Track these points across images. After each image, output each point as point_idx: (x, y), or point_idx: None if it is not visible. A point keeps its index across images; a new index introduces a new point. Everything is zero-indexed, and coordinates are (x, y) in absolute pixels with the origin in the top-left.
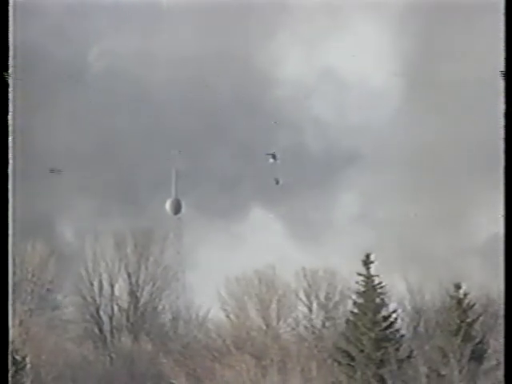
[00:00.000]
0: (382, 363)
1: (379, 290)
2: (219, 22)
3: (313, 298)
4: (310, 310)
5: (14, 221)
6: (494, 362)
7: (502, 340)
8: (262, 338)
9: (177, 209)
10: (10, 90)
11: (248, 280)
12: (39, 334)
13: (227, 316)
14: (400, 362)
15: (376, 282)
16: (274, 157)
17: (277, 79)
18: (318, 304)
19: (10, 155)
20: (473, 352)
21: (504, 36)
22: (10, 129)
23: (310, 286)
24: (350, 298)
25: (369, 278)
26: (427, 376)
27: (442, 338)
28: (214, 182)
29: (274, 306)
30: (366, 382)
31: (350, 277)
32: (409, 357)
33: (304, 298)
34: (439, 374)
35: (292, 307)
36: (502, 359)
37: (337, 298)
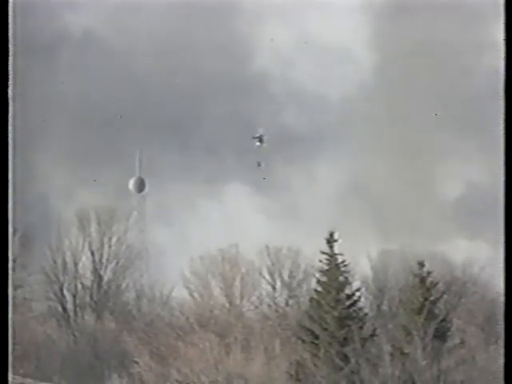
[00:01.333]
0: (345, 341)
1: (343, 269)
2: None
3: (276, 276)
4: (274, 288)
5: None
6: (457, 341)
7: (464, 317)
8: (225, 317)
9: (140, 187)
10: (10, 89)
11: (211, 258)
12: None
13: (191, 294)
14: (363, 340)
15: (339, 260)
16: (260, 140)
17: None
18: (282, 282)
19: None
20: (436, 330)
21: (504, 36)
22: (10, 128)
23: (273, 264)
24: (314, 276)
25: (332, 256)
26: (391, 354)
27: (406, 316)
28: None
29: (237, 284)
30: (330, 360)
31: (313, 255)
32: (372, 335)
33: (268, 277)
34: (402, 352)
35: (255, 285)
36: (465, 337)
37: (300, 276)
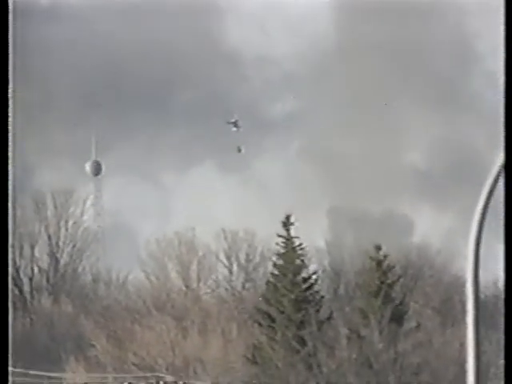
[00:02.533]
0: (302, 324)
1: (299, 252)
2: None
3: (233, 259)
4: (231, 271)
5: None
6: (413, 324)
7: (421, 301)
8: (182, 300)
9: (97, 170)
10: (10, 88)
11: (168, 241)
12: None
13: (147, 278)
14: (320, 323)
15: (296, 243)
16: (236, 125)
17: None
18: (239, 265)
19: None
20: (393, 313)
21: (504, 36)
22: (10, 128)
23: (230, 247)
24: (270, 259)
25: (289, 239)
26: (347, 337)
27: (362, 299)
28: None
29: (194, 267)
30: (287, 343)
31: (269, 238)
32: (329, 318)
33: (224, 260)
34: (359, 336)
35: (212, 269)
36: (421, 321)
37: (257, 259)
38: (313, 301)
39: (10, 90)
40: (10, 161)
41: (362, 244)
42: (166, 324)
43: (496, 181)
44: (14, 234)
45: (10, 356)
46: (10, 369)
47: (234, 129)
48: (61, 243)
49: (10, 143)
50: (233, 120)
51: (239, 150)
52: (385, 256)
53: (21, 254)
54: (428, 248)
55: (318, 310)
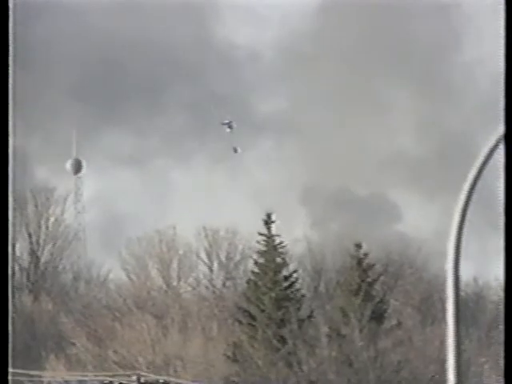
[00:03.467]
0: (282, 323)
1: (280, 250)
2: None
3: (214, 257)
4: (211, 269)
5: None
6: (394, 322)
7: (401, 299)
8: (162, 298)
9: (77, 168)
10: (10, 88)
11: (149, 240)
12: None
13: (128, 276)
14: (301, 321)
15: (277, 241)
16: (230, 126)
17: None
18: (219, 264)
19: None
20: (373, 312)
21: (504, 36)
22: (10, 127)
23: (210, 245)
24: (251, 257)
25: (270, 237)
26: (328, 335)
27: (343, 297)
28: None
29: (174, 265)
30: (267, 342)
31: (250, 236)
32: (309, 316)
33: (205, 258)
34: (340, 334)
35: (193, 267)
36: (402, 319)
37: (238, 257)
38: (293, 299)
39: (9, 90)
40: (9, 161)
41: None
42: (147, 322)
43: (478, 177)
44: None
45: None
46: None
47: (228, 130)
48: (41, 241)
49: (9, 143)
50: (226, 121)
51: (235, 151)
52: (365, 254)
53: None
54: (409, 245)
55: (298, 309)
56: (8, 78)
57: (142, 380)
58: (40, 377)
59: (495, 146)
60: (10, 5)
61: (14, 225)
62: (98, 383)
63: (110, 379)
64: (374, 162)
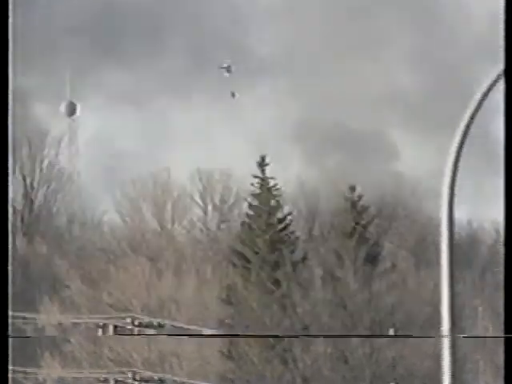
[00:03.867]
0: (276, 265)
1: (274, 192)
2: None
3: (208, 200)
4: (205, 212)
5: None
6: (388, 264)
7: (395, 242)
8: (156, 241)
9: (71, 111)
10: (10, 87)
11: (143, 182)
12: None
13: (122, 218)
14: (295, 264)
15: (271, 183)
16: (228, 70)
17: None
18: (213, 206)
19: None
20: (367, 254)
21: (504, 36)
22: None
23: (205, 188)
24: (245, 200)
25: (264, 179)
26: (322, 278)
27: (337, 240)
28: None
29: (169, 208)
30: (261, 284)
31: (245, 179)
32: (303, 259)
33: (199, 201)
34: (334, 276)
35: (187, 210)
36: (396, 261)
37: (232, 200)
38: (287, 241)
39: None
40: (9, 161)
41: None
42: (141, 265)
43: (472, 119)
44: None
45: None
46: None
47: (227, 74)
48: (35, 184)
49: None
50: (225, 65)
51: (233, 95)
52: (359, 196)
53: None
54: (402, 187)
55: (292, 251)
56: (8, 77)
57: (136, 322)
58: (34, 319)
59: (492, 85)
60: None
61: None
62: (92, 326)
63: (105, 321)
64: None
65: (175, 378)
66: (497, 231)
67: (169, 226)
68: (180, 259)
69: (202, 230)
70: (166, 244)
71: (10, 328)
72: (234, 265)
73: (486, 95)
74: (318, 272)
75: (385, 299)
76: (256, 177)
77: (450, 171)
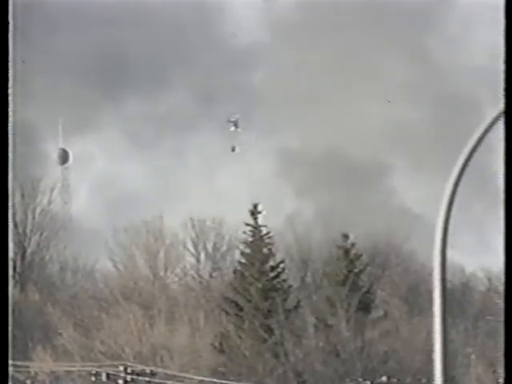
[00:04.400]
0: (269, 313)
1: (267, 240)
2: None
3: (200, 248)
4: (198, 260)
5: None
6: (381, 312)
7: (388, 290)
8: (149, 288)
9: (64, 159)
10: (10, 87)
11: (136, 230)
12: None
13: (115, 266)
14: (288, 312)
15: (264, 231)
16: (235, 124)
17: None
18: (206, 254)
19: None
20: (360, 302)
21: (504, 36)
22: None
23: (197, 236)
24: (238, 248)
25: (256, 228)
26: (315, 326)
27: (330, 288)
28: None
29: (161, 256)
30: (254, 332)
31: (237, 227)
32: (296, 307)
33: (192, 248)
34: (327, 324)
35: (180, 257)
36: (388, 309)
37: (224, 248)
38: (280, 289)
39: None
40: (9, 161)
41: None
42: (134, 313)
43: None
44: None
45: None
46: None
47: (233, 128)
48: (28, 231)
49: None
50: (233, 119)
51: (233, 150)
52: (352, 244)
53: None
54: (395, 235)
55: (285, 299)
56: (8, 77)
57: (129, 370)
58: (27, 367)
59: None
60: (10, 6)
61: None
62: (85, 374)
63: (97, 369)
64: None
65: (166, 372)
66: (503, 288)
67: (161, 273)
68: (172, 307)
69: (194, 278)
70: (159, 292)
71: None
72: (227, 313)
73: (481, 138)
74: (311, 320)
75: (377, 347)
76: (248, 225)
77: (442, 219)
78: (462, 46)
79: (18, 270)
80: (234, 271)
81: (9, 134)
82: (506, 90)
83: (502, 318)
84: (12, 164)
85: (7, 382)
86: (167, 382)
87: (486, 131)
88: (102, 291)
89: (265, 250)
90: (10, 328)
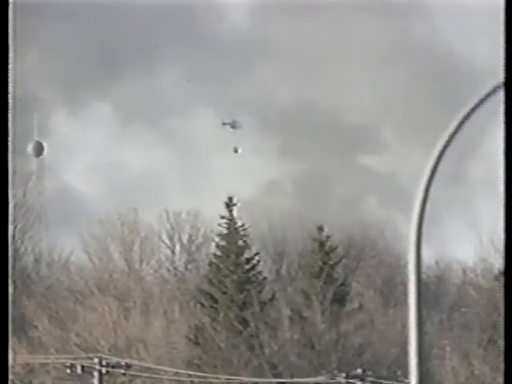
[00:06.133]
0: (244, 305)
1: (242, 233)
2: None
3: (176, 240)
4: (173, 252)
5: None
6: (356, 305)
7: (363, 282)
8: (124, 281)
9: (39, 151)
10: (10, 88)
11: (111, 222)
12: None
13: (90, 258)
14: (263, 304)
15: (239, 224)
16: (233, 126)
17: None
18: (181, 246)
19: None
20: (335, 294)
21: (504, 36)
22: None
23: (172, 228)
24: (213, 240)
25: (231, 220)
26: (290, 318)
27: (305, 280)
28: None
29: (136, 248)
30: (229, 324)
31: (212, 219)
32: (271, 299)
33: (167, 241)
34: (302, 316)
35: (155, 249)
36: (363, 301)
37: (200, 240)
38: (255, 282)
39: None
40: (9, 160)
41: None
42: (109, 305)
43: (441, 154)
44: None
45: None
46: None
47: (231, 130)
48: None
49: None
50: (229, 121)
51: (236, 151)
52: (327, 237)
53: None
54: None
55: (260, 291)
56: (8, 77)
57: (104, 363)
58: None
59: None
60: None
61: None
62: (60, 366)
63: (73, 362)
64: None
65: (141, 364)
66: (503, 287)
67: (136, 265)
68: (147, 299)
69: (169, 270)
70: (134, 284)
71: None
72: (202, 305)
73: (451, 138)
74: (286, 312)
75: (352, 339)
76: (223, 217)
77: (417, 211)
78: None
79: None
80: (209, 263)
81: (9, 134)
82: (505, 91)
83: (476, 310)
84: None
85: (7, 381)
86: (142, 374)
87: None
88: (77, 283)
89: (240, 243)
90: (9, 328)
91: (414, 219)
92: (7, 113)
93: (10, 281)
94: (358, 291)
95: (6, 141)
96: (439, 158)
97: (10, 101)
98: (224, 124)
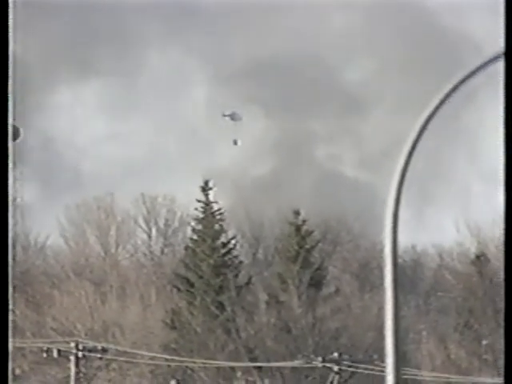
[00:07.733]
0: (221, 289)
1: (218, 217)
2: None
3: (152, 224)
4: (149, 236)
5: None
6: (332, 289)
7: (340, 266)
8: (101, 265)
9: (15, 135)
10: (10, 88)
11: (87, 206)
12: None
13: (66, 243)
14: (239, 288)
15: (215, 208)
16: (233, 118)
17: None
18: (157, 230)
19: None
20: (311, 278)
21: (504, 36)
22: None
23: (149, 212)
24: (189, 224)
25: (208, 204)
26: (266, 302)
27: (281, 264)
28: None
29: (112, 232)
30: (206, 308)
31: (189, 203)
32: (248, 283)
33: (143, 225)
34: (278, 301)
35: (131, 234)
36: (340, 285)
37: (176, 224)
38: (231, 266)
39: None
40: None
41: None
42: (85, 289)
43: (420, 134)
44: None
45: None
46: None
47: (232, 122)
48: None
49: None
50: (229, 113)
51: (235, 143)
52: (303, 221)
53: None
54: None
55: (236, 275)
56: (8, 77)
57: (81, 347)
58: None
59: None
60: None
61: None
62: (36, 350)
63: (49, 346)
64: None
65: (118, 348)
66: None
67: (113, 250)
68: (124, 283)
69: (145, 254)
70: (110, 268)
71: None
72: (178, 289)
73: (428, 120)
74: (263, 296)
75: (329, 323)
76: (199, 201)
77: (393, 194)
78: None
79: None
80: (186, 248)
81: (8, 134)
82: (506, 91)
83: (452, 294)
84: None
85: (7, 382)
86: (119, 358)
87: (428, 119)
88: (54, 268)
89: (216, 227)
90: (9, 327)
91: (389, 203)
92: (7, 113)
93: (10, 281)
94: (334, 275)
95: (6, 141)
96: (419, 134)
97: (10, 102)
98: (224, 116)
